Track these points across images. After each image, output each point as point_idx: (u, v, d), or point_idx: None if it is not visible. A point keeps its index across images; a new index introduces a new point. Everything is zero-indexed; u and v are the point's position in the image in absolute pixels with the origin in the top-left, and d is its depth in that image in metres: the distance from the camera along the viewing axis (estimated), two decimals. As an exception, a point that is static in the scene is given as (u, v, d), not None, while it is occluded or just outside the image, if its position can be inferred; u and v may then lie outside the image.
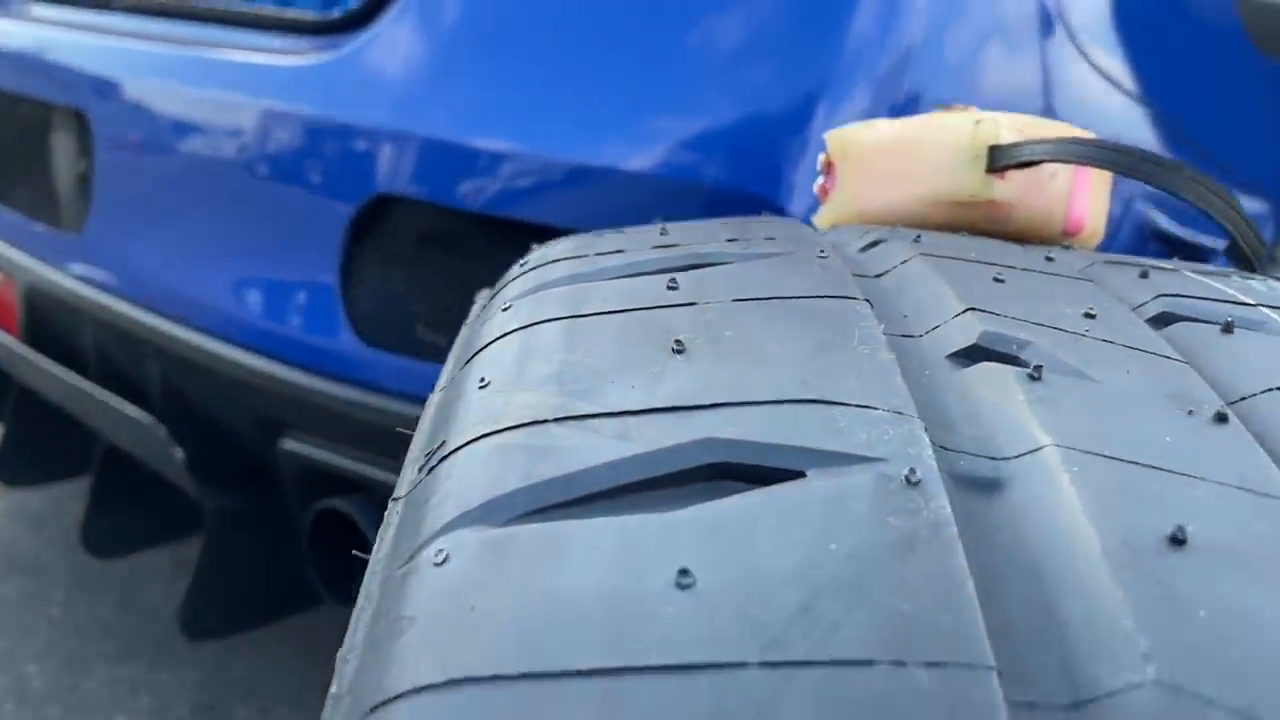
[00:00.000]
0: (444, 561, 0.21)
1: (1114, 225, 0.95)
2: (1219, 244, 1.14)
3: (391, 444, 0.85)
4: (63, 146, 1.14)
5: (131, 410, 1.05)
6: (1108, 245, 0.96)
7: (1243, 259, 0.40)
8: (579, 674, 0.18)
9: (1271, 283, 0.36)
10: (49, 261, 1.12)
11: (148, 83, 1.02)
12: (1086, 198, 0.45)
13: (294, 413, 0.92)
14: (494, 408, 0.25)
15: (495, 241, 0.81)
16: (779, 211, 0.53)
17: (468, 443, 0.24)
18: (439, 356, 0.81)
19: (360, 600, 0.23)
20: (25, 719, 1.06)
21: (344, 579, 0.93)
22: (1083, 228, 0.45)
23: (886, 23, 0.69)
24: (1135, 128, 0.95)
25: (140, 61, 1.05)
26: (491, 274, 0.80)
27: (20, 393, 1.37)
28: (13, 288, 1.18)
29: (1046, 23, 0.81)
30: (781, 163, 0.52)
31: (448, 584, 0.20)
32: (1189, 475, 0.22)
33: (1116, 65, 0.92)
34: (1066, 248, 0.42)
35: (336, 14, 0.94)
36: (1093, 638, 0.19)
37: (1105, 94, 0.90)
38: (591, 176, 0.72)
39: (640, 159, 0.70)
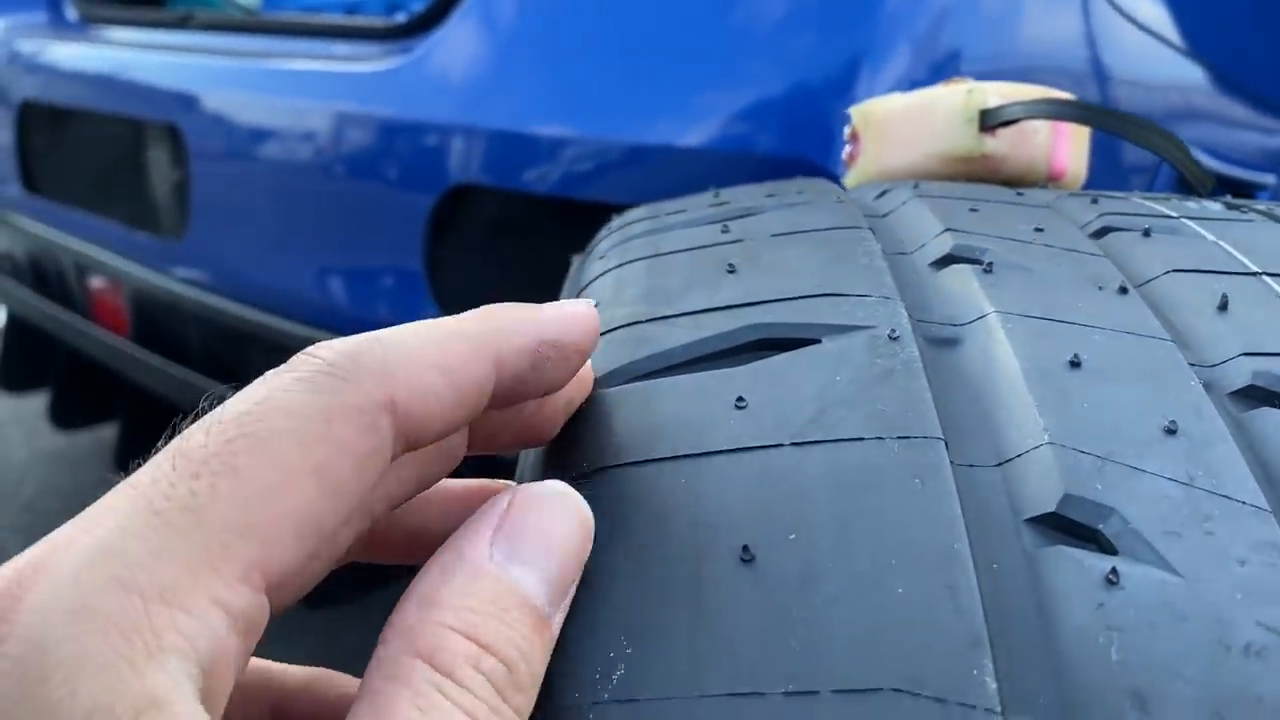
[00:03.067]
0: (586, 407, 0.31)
1: (1154, 167, 0.99)
2: (1265, 178, 1.16)
3: None
4: (158, 160, 1.22)
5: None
6: (1149, 186, 1.00)
7: (1191, 189, 0.49)
8: (673, 458, 0.28)
9: (1204, 203, 0.45)
10: (153, 267, 1.20)
11: (234, 95, 1.09)
12: (1066, 148, 0.54)
13: None
14: (603, 319, 0.36)
15: (563, 223, 0.87)
16: (827, 173, 0.61)
17: (587, 340, 0.35)
18: None
19: (522, 453, 0.33)
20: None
21: None
22: (1065, 173, 0.55)
23: None
24: (1175, 74, 0.96)
25: (226, 76, 1.12)
26: (561, 253, 0.88)
27: (133, 392, 1.45)
28: (121, 293, 1.27)
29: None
30: (828, 128, 0.60)
31: (589, 417, 0.31)
32: (1090, 326, 0.32)
33: (1154, 13, 0.92)
34: (1044, 188, 0.51)
35: (404, 19, 1.00)
36: (1012, 424, 0.29)
37: (1144, 45, 0.92)
38: (649, 155, 0.77)
39: (693, 135, 0.75)
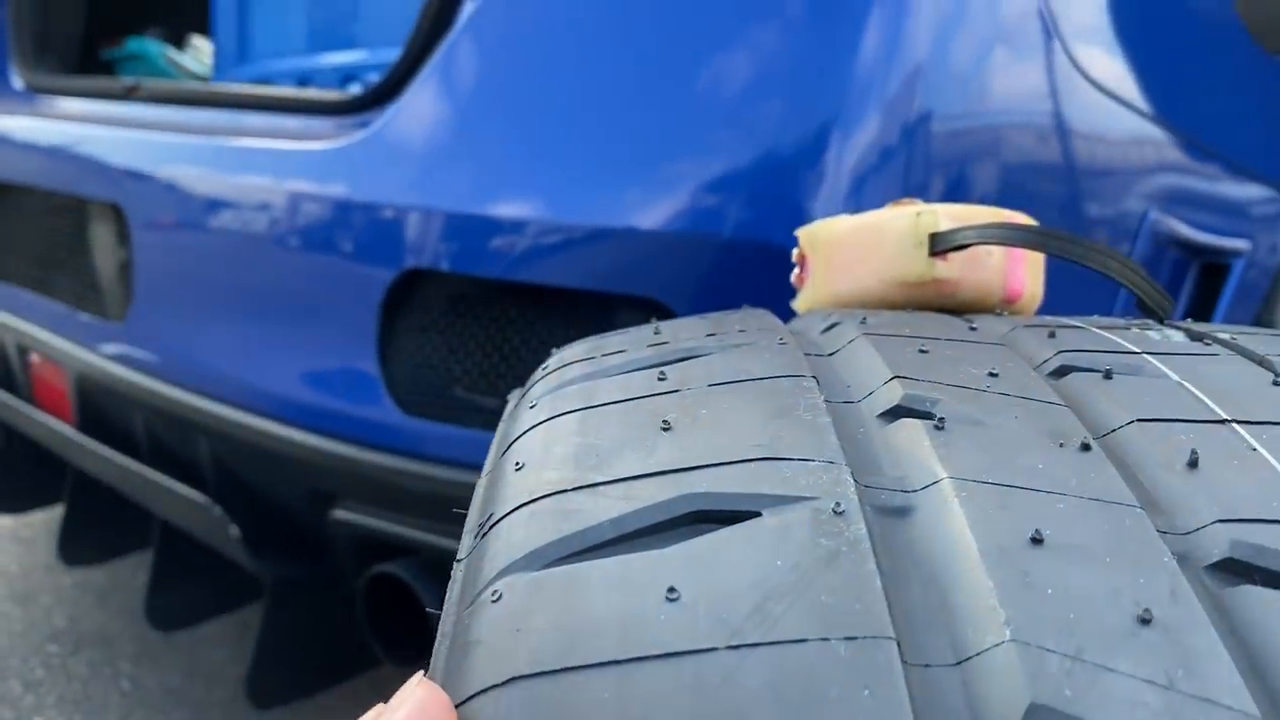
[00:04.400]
0: (498, 599, 0.28)
1: (1131, 236, 0.98)
2: (1239, 245, 1.15)
3: (437, 508, 0.89)
4: (101, 238, 1.18)
5: (185, 491, 1.06)
6: (1127, 256, 0.99)
7: (1150, 313, 0.47)
8: (599, 665, 0.25)
9: (1167, 332, 0.43)
10: (96, 350, 1.15)
11: (179, 172, 1.05)
12: (1022, 269, 0.53)
13: (343, 484, 0.94)
14: (527, 484, 0.33)
15: (524, 305, 0.83)
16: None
17: (509, 512, 0.32)
18: (476, 421, 0.85)
19: (439, 637, 0.30)
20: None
21: (400, 640, 0.96)
22: (1021, 294, 0.53)
23: (891, 47, 0.71)
24: (1139, 137, 0.96)
25: (171, 152, 1.07)
26: (522, 336, 0.84)
27: (77, 475, 1.40)
28: (64, 376, 1.22)
29: (1046, 37, 0.81)
30: (797, 204, 0.57)
31: (502, 614, 0.28)
32: (1052, 492, 0.29)
33: (1115, 75, 0.91)
34: (1000, 314, 0.49)
35: (358, 92, 0.96)
36: (970, 614, 0.26)
37: (1106, 107, 0.91)
38: (609, 237, 0.74)
39: (655, 217, 0.72)
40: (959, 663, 0.25)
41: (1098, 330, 0.43)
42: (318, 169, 0.93)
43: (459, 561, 0.33)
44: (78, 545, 1.39)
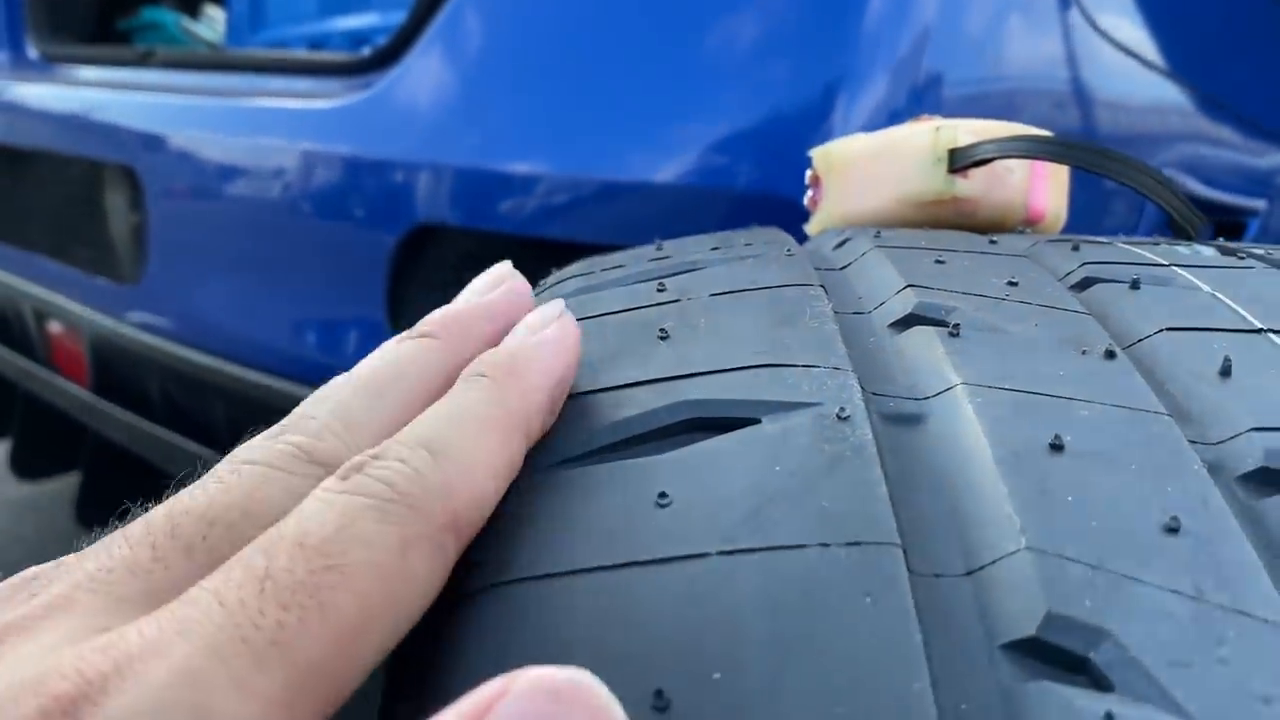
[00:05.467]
0: (485, 506, 0.26)
1: (1140, 205, 0.95)
2: (1256, 204, 1.13)
3: None
4: (115, 203, 1.19)
5: (201, 450, 1.08)
6: (1139, 217, 0.97)
7: (1180, 231, 0.45)
8: (584, 570, 0.23)
9: (1198, 248, 0.41)
10: (112, 313, 1.17)
11: (192, 135, 1.06)
12: (1045, 188, 0.50)
13: None
14: (517, 394, 0.31)
15: (532, 261, 0.84)
16: (803, 209, 0.57)
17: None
18: None
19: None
20: None
21: None
22: (1044, 215, 0.50)
23: (900, 7, 0.69)
24: (1155, 94, 0.94)
25: (183, 115, 1.09)
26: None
27: (95, 440, 1.42)
28: (81, 341, 1.24)
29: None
30: (804, 160, 0.56)
31: (496, 517, 0.26)
32: (1074, 399, 0.27)
33: (1132, 30, 0.89)
34: (1022, 233, 0.47)
35: (367, 53, 0.96)
36: (982, 523, 0.24)
37: (1127, 67, 0.89)
38: (620, 191, 0.74)
39: (667, 171, 0.72)
40: (970, 572, 0.23)
41: (1124, 245, 0.40)
42: (327, 128, 0.94)
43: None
44: (96, 510, 1.41)
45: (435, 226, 0.85)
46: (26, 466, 1.59)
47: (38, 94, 1.34)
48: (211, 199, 1.03)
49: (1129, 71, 0.88)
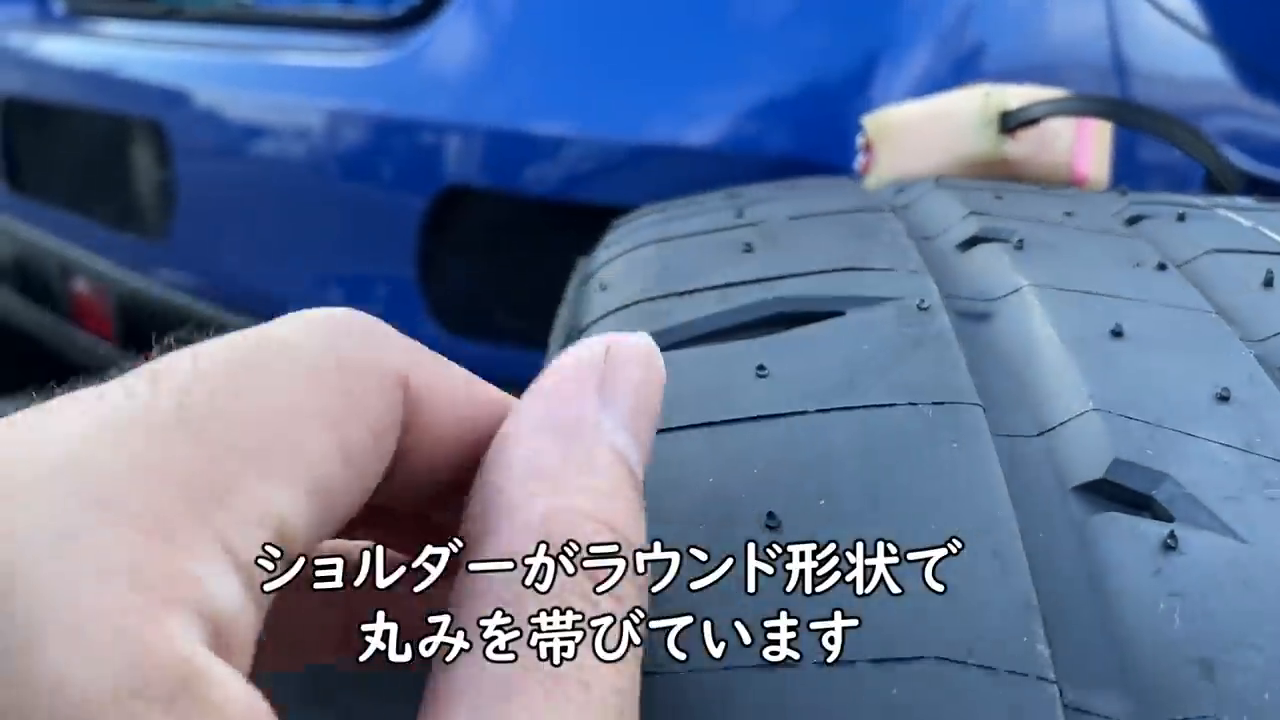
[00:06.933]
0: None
1: (1185, 167, 0.96)
2: None
3: None
4: (143, 158, 1.17)
5: None
6: (1178, 189, 0.97)
7: (1220, 189, 0.48)
8: (691, 426, 0.26)
9: (1237, 199, 0.44)
10: (138, 270, 1.16)
11: (220, 91, 1.05)
12: (1090, 152, 0.53)
13: None
14: (614, 299, 0.34)
15: (562, 226, 0.82)
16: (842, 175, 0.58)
17: (598, 319, 0.33)
18: (517, 340, 0.86)
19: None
20: None
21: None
22: (1088, 177, 0.53)
23: None
24: (1200, 62, 0.92)
25: (212, 71, 1.08)
26: (560, 257, 0.85)
27: None
28: (106, 297, 1.23)
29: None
30: (843, 128, 0.58)
31: None
32: (1130, 299, 0.30)
33: (1183, 3, 0.88)
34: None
35: (398, 11, 0.94)
36: (1052, 393, 0.27)
37: (1171, 37, 0.88)
38: (653, 155, 0.73)
39: (701, 134, 0.72)
40: (1041, 433, 0.26)
41: (1168, 194, 0.43)
42: (357, 86, 0.93)
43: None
44: None
45: (465, 188, 0.84)
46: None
47: (63, 48, 1.32)
48: (240, 156, 1.02)
49: (1173, 41, 0.88)
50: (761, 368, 0.28)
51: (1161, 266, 0.32)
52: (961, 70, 0.70)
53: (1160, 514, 0.23)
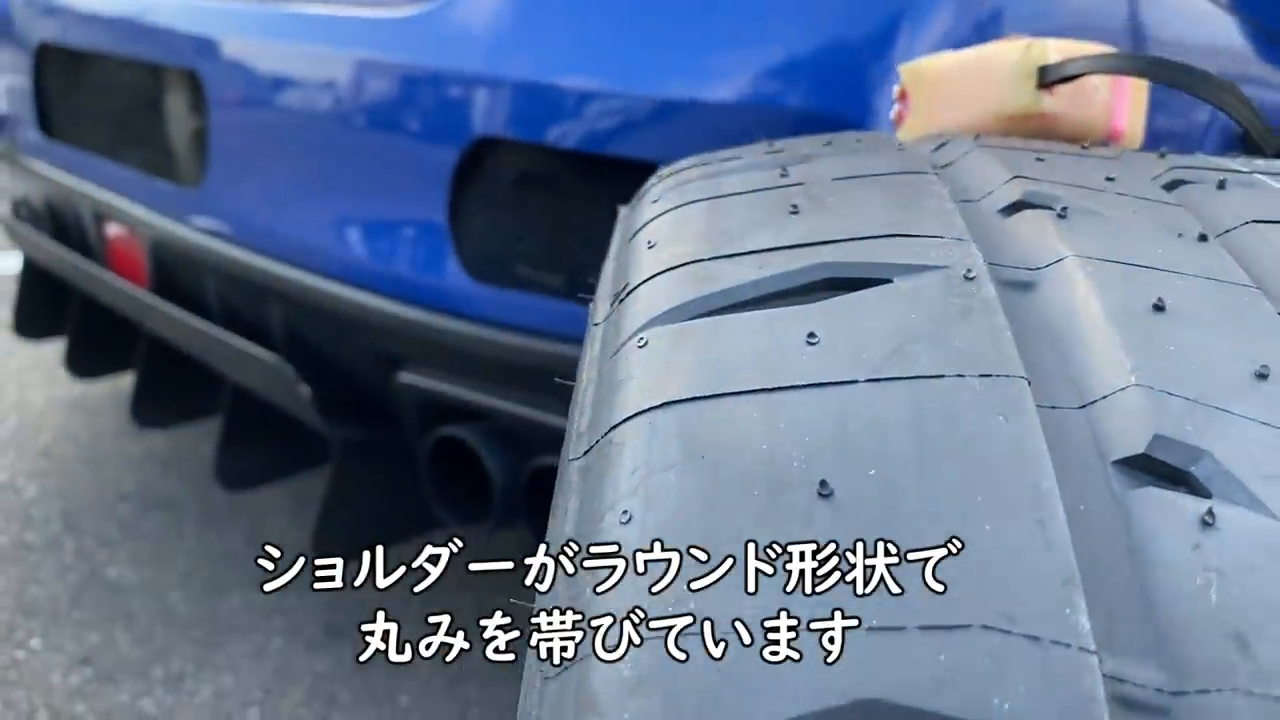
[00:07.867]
0: (644, 345, 0.30)
1: (1200, 132, 0.96)
2: None
3: (501, 373, 0.91)
4: (177, 106, 1.18)
5: (259, 352, 1.06)
6: (1193, 151, 0.97)
7: (1254, 148, 0.48)
8: (746, 392, 0.27)
9: (1273, 161, 0.44)
10: (171, 216, 1.17)
11: (255, 41, 1.05)
12: (1126, 107, 0.53)
13: (411, 347, 0.96)
14: (663, 257, 0.35)
15: (591, 179, 0.83)
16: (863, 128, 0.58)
17: (648, 279, 0.34)
18: (542, 289, 0.87)
19: (581, 383, 0.33)
20: (174, 638, 1.16)
21: (461, 501, 1.00)
22: (1123, 133, 0.53)
23: None
24: (1215, 28, 0.92)
25: (247, 21, 1.08)
26: (588, 208, 0.85)
27: (150, 340, 1.44)
28: (139, 242, 1.23)
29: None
30: (865, 83, 0.58)
31: (650, 355, 0.30)
32: (1172, 271, 0.31)
33: None
34: (1105, 145, 0.50)
35: None
36: (1095, 366, 0.28)
37: (1193, 5, 0.88)
38: (680, 110, 0.74)
39: (726, 89, 0.72)
40: (1084, 405, 0.27)
41: (1204, 157, 0.43)
42: (394, 37, 0.93)
43: (596, 326, 0.35)
44: (150, 409, 1.44)
45: (496, 139, 0.85)
46: (81, 365, 1.63)
47: (96, -2, 1.34)
48: (274, 105, 1.03)
49: (1194, 8, 0.89)
50: (812, 335, 0.29)
51: (1203, 238, 0.33)
52: (981, 32, 0.70)
53: (1198, 490, 0.24)
